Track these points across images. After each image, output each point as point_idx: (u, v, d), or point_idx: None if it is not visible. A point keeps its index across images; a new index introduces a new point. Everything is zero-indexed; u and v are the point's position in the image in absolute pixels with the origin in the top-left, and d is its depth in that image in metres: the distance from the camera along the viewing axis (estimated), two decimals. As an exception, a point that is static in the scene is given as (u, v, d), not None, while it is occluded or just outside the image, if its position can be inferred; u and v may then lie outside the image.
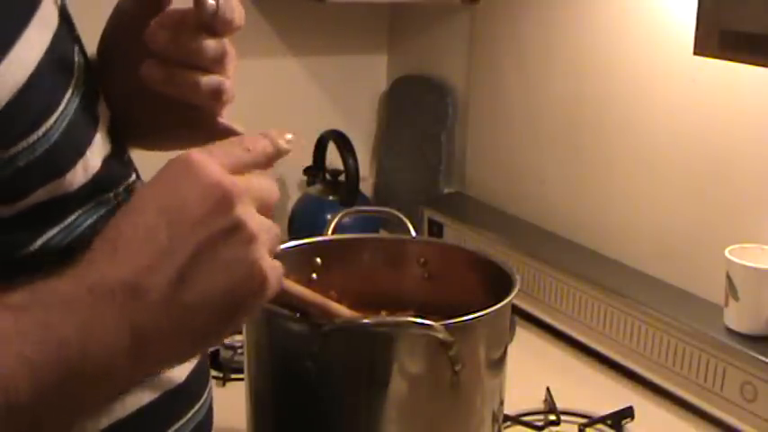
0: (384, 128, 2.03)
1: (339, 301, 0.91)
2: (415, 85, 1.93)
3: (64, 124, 0.63)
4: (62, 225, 0.64)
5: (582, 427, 1.19)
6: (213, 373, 1.31)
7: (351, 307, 0.92)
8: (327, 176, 1.84)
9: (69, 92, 0.65)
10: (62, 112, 0.63)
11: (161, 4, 0.70)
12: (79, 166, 0.65)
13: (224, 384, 1.28)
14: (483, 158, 1.81)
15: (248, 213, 0.57)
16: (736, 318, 1.22)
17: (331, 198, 1.79)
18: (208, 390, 0.79)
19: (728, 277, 1.21)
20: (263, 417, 0.95)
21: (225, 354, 1.34)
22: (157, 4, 0.69)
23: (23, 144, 0.60)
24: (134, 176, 0.75)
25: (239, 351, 1.31)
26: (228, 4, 0.70)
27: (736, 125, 1.28)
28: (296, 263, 1.05)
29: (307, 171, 1.85)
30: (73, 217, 0.65)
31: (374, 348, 0.87)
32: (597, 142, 1.52)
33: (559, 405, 1.23)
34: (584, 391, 1.30)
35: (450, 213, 1.72)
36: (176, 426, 0.73)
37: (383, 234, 1.63)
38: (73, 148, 0.65)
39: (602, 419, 1.21)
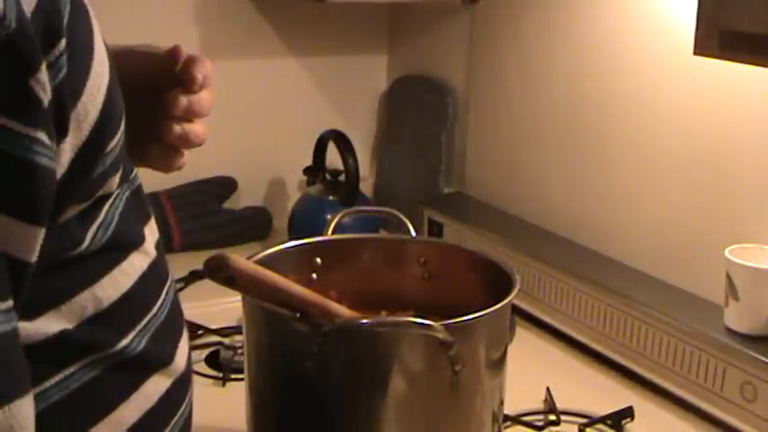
0: (384, 128, 2.03)
1: (339, 301, 0.91)
2: (415, 85, 1.93)
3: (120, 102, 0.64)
4: (101, 219, 0.64)
5: (582, 427, 1.19)
6: (213, 372, 1.31)
7: (351, 307, 0.92)
8: (327, 176, 1.84)
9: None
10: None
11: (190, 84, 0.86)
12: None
13: (224, 384, 1.28)
14: (483, 158, 1.81)
15: None
16: (736, 318, 1.22)
17: (331, 198, 1.79)
18: (188, 397, 0.79)
19: (728, 277, 1.21)
20: (263, 417, 0.95)
21: (225, 354, 1.34)
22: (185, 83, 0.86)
23: (112, 144, 0.60)
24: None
25: (239, 351, 1.31)
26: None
27: (736, 125, 1.28)
28: (296, 263, 1.05)
29: (307, 171, 1.85)
30: (106, 207, 0.65)
31: (374, 348, 0.87)
32: (597, 142, 1.52)
33: (559, 405, 1.23)
34: (585, 391, 1.30)
35: (451, 213, 1.72)
36: (181, 409, 0.75)
37: (383, 234, 1.63)
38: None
39: (602, 419, 1.21)
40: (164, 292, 0.74)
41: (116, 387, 0.65)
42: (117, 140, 0.61)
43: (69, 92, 0.54)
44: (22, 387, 0.53)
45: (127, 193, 0.69)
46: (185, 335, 0.77)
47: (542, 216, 1.63)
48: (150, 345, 0.69)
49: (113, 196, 0.66)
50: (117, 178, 0.64)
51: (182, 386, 0.75)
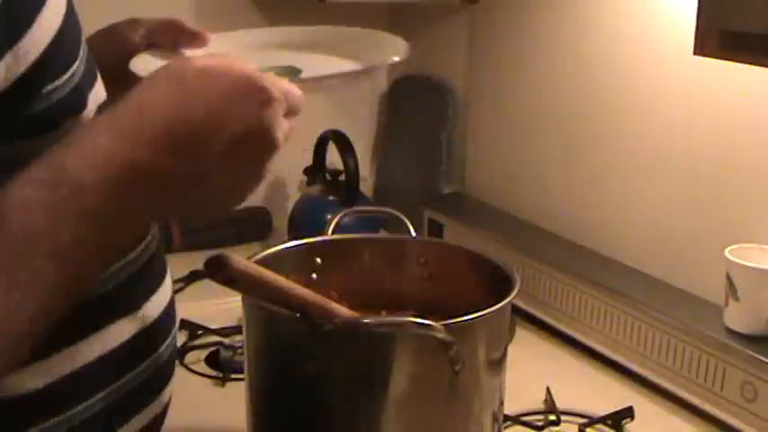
0: (384, 128, 2.03)
1: (339, 301, 0.91)
2: (415, 85, 1.93)
3: (82, 67, 0.70)
4: None
5: (582, 427, 1.19)
6: (213, 372, 1.31)
7: (351, 307, 0.92)
8: (327, 176, 1.84)
9: (83, 38, 0.72)
10: (82, 56, 0.70)
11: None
12: (91, 105, 0.71)
13: (224, 384, 1.28)
14: (483, 158, 1.81)
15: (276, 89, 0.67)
16: (736, 318, 1.22)
17: (331, 198, 1.79)
18: (174, 330, 0.85)
19: (728, 277, 1.21)
20: (263, 417, 0.95)
21: (225, 354, 1.34)
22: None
23: (58, 82, 0.66)
24: None
25: (239, 351, 1.31)
26: None
27: (736, 125, 1.28)
28: (296, 263, 1.05)
29: (307, 171, 1.84)
30: None
31: (374, 348, 0.87)
32: (597, 142, 1.52)
33: (559, 405, 1.23)
34: (585, 391, 1.30)
35: (451, 213, 1.72)
36: (149, 360, 0.78)
37: (383, 234, 1.62)
38: (88, 89, 0.71)
39: (602, 419, 1.21)
40: (142, 245, 0.77)
41: (75, 323, 0.67)
42: (63, 80, 0.66)
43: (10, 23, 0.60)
44: None
45: None
46: (166, 287, 0.82)
47: (542, 216, 1.63)
48: (118, 290, 0.72)
49: None
50: (78, 122, 0.68)
51: (151, 336, 0.78)
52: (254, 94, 0.66)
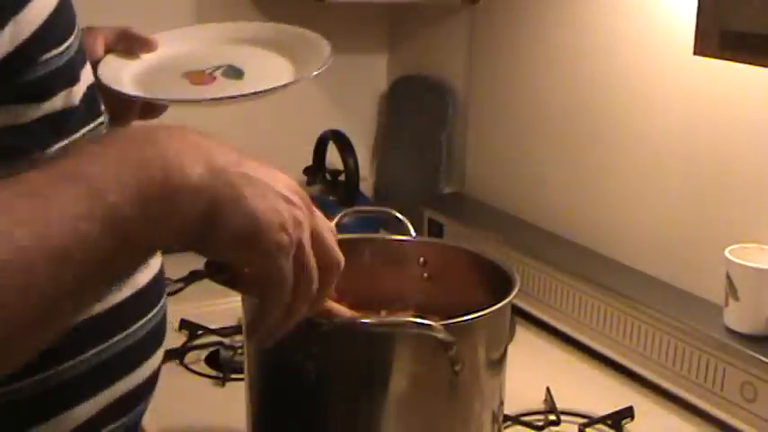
0: (384, 128, 2.03)
1: (339, 301, 0.91)
2: (415, 85, 1.93)
3: (77, 43, 0.76)
4: (70, 139, 0.74)
5: (582, 427, 1.19)
6: (213, 372, 1.31)
7: (351, 307, 0.92)
8: (327, 176, 1.84)
9: (77, 21, 0.78)
10: (76, 34, 0.76)
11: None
12: (82, 81, 0.76)
13: (224, 384, 1.28)
14: (483, 158, 1.81)
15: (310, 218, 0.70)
16: (736, 318, 1.22)
17: (331, 198, 1.79)
18: (163, 299, 0.87)
19: (728, 277, 1.21)
20: (263, 417, 0.95)
21: (225, 354, 1.34)
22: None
23: (55, 52, 0.71)
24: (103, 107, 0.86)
25: (239, 351, 1.31)
26: None
27: (736, 125, 1.28)
28: (296, 263, 1.05)
29: (307, 171, 1.85)
30: (78, 135, 0.75)
31: (374, 348, 0.87)
32: (597, 142, 1.52)
33: (559, 405, 1.23)
34: (585, 391, 1.30)
35: (451, 213, 1.72)
36: (135, 326, 0.81)
37: (383, 234, 1.62)
38: (80, 65, 0.77)
39: (602, 419, 1.21)
40: None
41: None
42: (59, 51, 0.71)
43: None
44: None
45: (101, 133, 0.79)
46: (156, 256, 0.84)
47: (542, 216, 1.63)
48: None
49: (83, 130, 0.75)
50: (71, 94, 0.73)
51: (141, 301, 0.81)
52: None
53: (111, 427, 0.80)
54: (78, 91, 0.75)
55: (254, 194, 0.65)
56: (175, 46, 1.20)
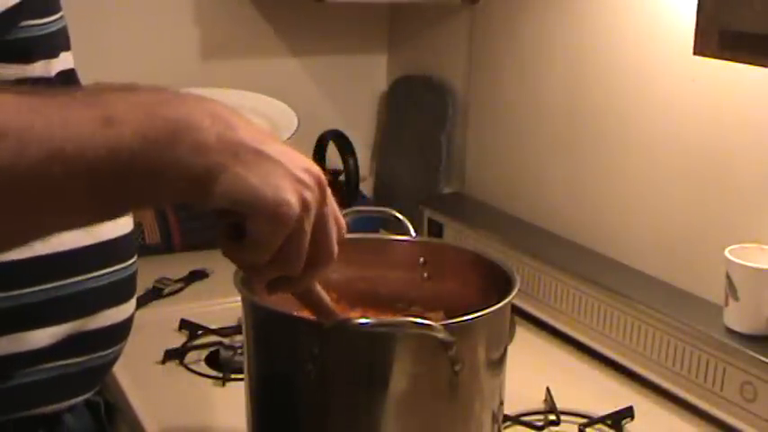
0: (384, 128, 2.03)
1: (339, 302, 0.91)
2: (415, 85, 1.93)
3: (60, 25, 0.88)
4: None
5: (582, 427, 1.19)
6: (213, 372, 1.31)
7: (351, 307, 0.92)
8: (327, 176, 1.83)
9: (61, 12, 0.89)
10: (59, 17, 0.88)
11: None
12: (60, 59, 0.88)
13: (224, 384, 1.28)
14: (483, 158, 1.81)
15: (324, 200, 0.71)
16: (736, 318, 1.22)
17: (331, 198, 1.79)
18: (131, 261, 0.95)
19: (728, 277, 1.21)
20: (263, 417, 0.95)
21: (225, 354, 1.34)
22: None
23: (34, 22, 0.82)
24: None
25: (239, 351, 1.31)
26: None
27: (736, 125, 1.28)
28: (296, 263, 1.05)
29: (306, 171, 1.84)
30: None
31: (374, 348, 0.87)
32: (597, 142, 1.52)
33: (559, 405, 1.23)
34: (585, 391, 1.30)
35: (451, 213, 1.72)
36: (99, 272, 0.89)
37: (383, 234, 1.63)
38: (61, 46, 0.89)
39: (602, 419, 1.20)
40: None
41: None
42: (40, 23, 0.83)
43: None
44: None
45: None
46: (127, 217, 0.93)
47: (542, 216, 1.63)
48: None
49: None
50: (50, 65, 0.84)
51: (98, 252, 0.89)
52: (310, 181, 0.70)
53: (70, 361, 0.89)
54: (56, 66, 0.86)
55: (257, 170, 0.65)
56: None
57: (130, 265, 0.95)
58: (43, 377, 0.87)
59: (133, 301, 0.97)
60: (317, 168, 0.71)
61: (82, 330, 0.89)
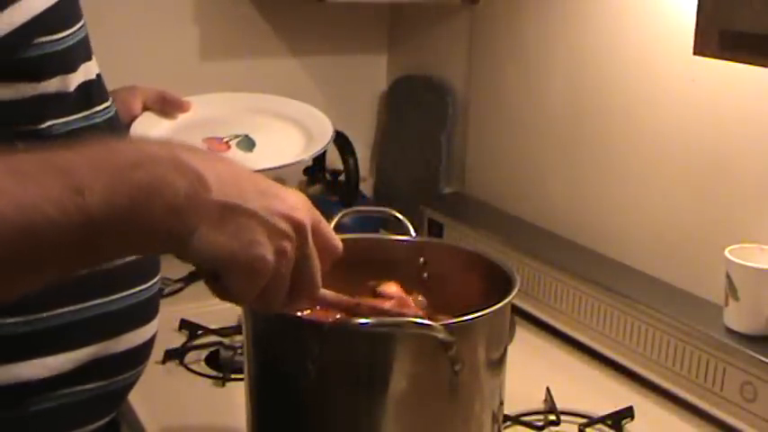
0: (384, 128, 2.03)
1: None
2: (415, 85, 1.93)
3: (77, 38, 0.84)
4: (64, 120, 0.82)
5: (582, 427, 1.19)
6: (213, 372, 1.31)
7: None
8: (327, 176, 1.84)
9: (82, 21, 0.86)
10: (77, 29, 0.84)
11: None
12: (80, 72, 0.84)
13: (224, 384, 1.28)
14: (483, 158, 1.81)
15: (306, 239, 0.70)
16: (736, 318, 1.22)
17: (331, 198, 1.79)
18: (157, 278, 0.93)
19: (728, 277, 1.21)
20: (263, 417, 0.95)
21: (225, 354, 1.34)
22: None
23: (49, 38, 0.79)
24: (111, 102, 0.91)
25: (239, 351, 1.31)
26: None
27: (736, 125, 1.28)
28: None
29: (307, 171, 1.85)
30: (73, 117, 0.83)
31: (374, 348, 0.87)
32: (597, 142, 1.52)
33: (559, 405, 1.23)
34: (585, 391, 1.30)
35: (450, 213, 1.72)
36: (125, 293, 0.87)
37: (383, 234, 1.62)
38: (80, 59, 0.85)
39: (602, 419, 1.21)
40: None
41: None
42: (56, 38, 0.79)
43: None
44: None
45: (95, 121, 0.86)
46: None
47: (542, 216, 1.63)
48: None
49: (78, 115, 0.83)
50: (66, 80, 0.81)
51: (106, 278, 0.85)
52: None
53: (91, 386, 0.85)
54: (74, 79, 0.83)
55: (228, 228, 0.66)
56: (207, 110, 1.32)
57: (154, 284, 0.92)
58: (63, 402, 0.84)
59: (156, 321, 0.94)
60: (299, 210, 0.71)
61: (105, 354, 0.86)
